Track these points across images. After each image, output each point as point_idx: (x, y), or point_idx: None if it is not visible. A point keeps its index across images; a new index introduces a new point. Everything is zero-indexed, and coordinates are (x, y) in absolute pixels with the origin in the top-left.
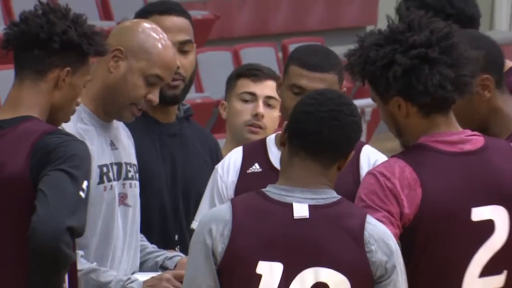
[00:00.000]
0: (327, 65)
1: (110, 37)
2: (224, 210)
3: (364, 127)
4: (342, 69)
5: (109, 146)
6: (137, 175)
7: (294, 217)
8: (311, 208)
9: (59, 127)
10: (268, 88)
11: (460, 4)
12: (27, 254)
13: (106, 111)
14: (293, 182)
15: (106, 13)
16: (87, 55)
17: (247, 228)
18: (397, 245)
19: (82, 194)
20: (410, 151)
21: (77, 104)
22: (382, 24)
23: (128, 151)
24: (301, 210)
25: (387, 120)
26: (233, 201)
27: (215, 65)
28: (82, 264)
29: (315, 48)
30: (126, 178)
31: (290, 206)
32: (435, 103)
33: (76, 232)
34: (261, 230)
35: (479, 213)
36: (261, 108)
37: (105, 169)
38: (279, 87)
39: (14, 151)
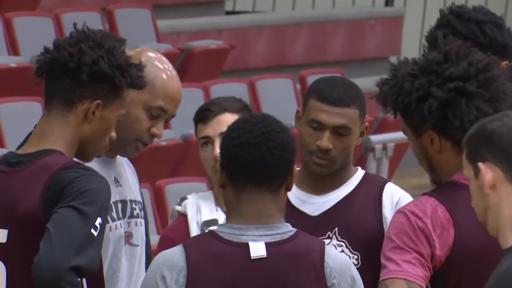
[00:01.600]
0: (348, 99)
1: None
2: (177, 255)
3: (386, 163)
4: (364, 103)
5: (114, 183)
6: (142, 212)
7: (252, 257)
8: (268, 245)
9: (80, 162)
10: (221, 124)
11: (494, 33)
12: None
13: (110, 147)
14: (245, 219)
15: None
16: (119, 87)
17: (204, 275)
18: (357, 272)
19: (94, 231)
20: (442, 188)
21: (112, 138)
22: (406, 55)
23: (132, 187)
24: (258, 249)
25: (418, 155)
26: (185, 245)
27: None
28: None
29: (335, 80)
30: (132, 216)
31: (246, 246)
32: None
33: (85, 271)
34: (218, 275)
35: None
36: (216, 150)
37: None
38: (298, 120)
39: (31, 187)
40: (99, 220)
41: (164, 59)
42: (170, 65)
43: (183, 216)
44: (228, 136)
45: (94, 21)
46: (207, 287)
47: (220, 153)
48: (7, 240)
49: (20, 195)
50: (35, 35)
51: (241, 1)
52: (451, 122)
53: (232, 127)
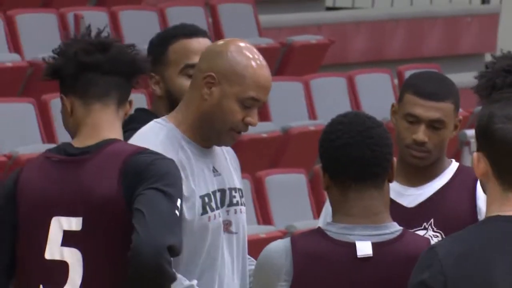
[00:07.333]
0: (443, 93)
1: (200, 60)
2: (284, 256)
3: None
4: (459, 97)
5: (212, 173)
6: (243, 199)
7: (358, 256)
8: (376, 245)
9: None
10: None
11: None
12: (121, 276)
13: (205, 138)
14: (353, 218)
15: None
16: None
17: (310, 274)
18: None
19: (177, 212)
20: None
21: None
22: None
23: (233, 175)
24: (364, 249)
25: None
26: (292, 242)
27: (328, 91)
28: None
29: (430, 75)
30: (231, 204)
31: (352, 246)
32: None
33: (176, 250)
34: (324, 274)
35: None
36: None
37: (206, 199)
38: (393, 115)
39: (103, 174)
40: (179, 201)
41: (251, 47)
42: (258, 53)
43: None
44: (326, 139)
45: (197, 15)
46: (313, 287)
47: (320, 156)
48: (82, 227)
49: (93, 182)
50: (140, 28)
51: None
52: None
53: (329, 130)
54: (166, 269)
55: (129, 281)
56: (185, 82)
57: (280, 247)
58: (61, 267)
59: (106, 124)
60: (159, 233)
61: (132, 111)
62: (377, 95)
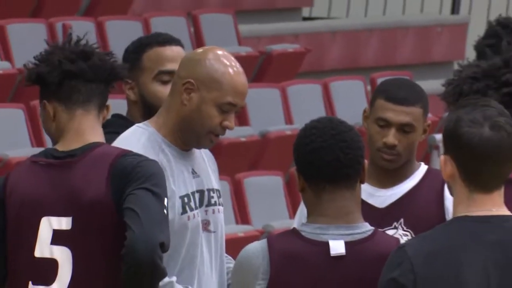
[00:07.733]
0: (413, 98)
1: (180, 68)
2: (261, 256)
3: None
4: (427, 103)
5: (191, 175)
6: (221, 199)
7: (331, 255)
8: (348, 244)
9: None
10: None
11: None
12: (116, 274)
13: (185, 141)
14: (326, 219)
15: None
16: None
17: (285, 274)
18: None
19: (165, 211)
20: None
21: None
22: (469, 60)
23: (211, 176)
24: (337, 248)
25: None
26: (269, 243)
27: (304, 98)
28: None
29: (400, 81)
30: (209, 204)
31: (326, 245)
32: None
33: (165, 247)
34: (299, 274)
35: None
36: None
37: (186, 199)
38: (365, 119)
39: (91, 175)
40: (166, 200)
41: (229, 55)
42: (236, 62)
43: None
44: (301, 143)
45: (180, 25)
46: (289, 286)
47: (295, 160)
48: (71, 227)
49: (81, 184)
50: (126, 37)
51: (317, 8)
52: None
53: (303, 134)
54: (159, 265)
55: (123, 277)
56: (159, 88)
57: (257, 248)
58: (51, 265)
59: (88, 128)
60: (152, 230)
61: (108, 116)
62: (351, 101)
